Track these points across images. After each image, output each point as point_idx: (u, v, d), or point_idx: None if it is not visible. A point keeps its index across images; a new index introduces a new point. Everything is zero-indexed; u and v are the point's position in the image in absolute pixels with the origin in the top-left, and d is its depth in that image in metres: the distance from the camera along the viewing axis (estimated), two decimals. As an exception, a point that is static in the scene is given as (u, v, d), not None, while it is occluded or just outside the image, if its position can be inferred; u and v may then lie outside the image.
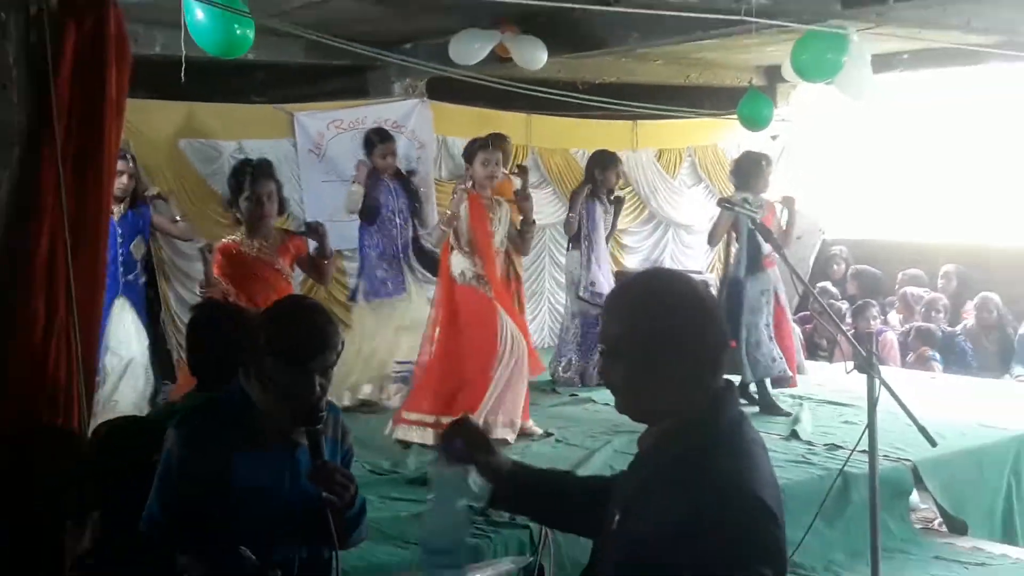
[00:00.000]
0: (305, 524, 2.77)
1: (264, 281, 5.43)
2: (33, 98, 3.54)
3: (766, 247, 6.63)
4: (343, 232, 7.27)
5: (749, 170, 6.87)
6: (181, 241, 7.03)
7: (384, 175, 6.98)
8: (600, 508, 2.19)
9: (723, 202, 6.37)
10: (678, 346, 1.92)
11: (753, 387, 6.85)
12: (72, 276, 3.58)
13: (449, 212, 5.92)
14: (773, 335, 6.81)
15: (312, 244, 5.67)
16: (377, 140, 7.01)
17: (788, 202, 7.15)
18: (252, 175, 5.52)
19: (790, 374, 6.96)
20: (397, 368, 6.92)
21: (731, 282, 6.75)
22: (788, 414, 6.68)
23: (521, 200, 6.29)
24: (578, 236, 7.68)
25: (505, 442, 5.69)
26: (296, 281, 6.22)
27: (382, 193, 6.93)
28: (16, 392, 3.52)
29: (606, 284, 7.54)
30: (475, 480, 2.36)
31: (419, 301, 6.89)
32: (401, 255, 6.95)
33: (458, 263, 5.88)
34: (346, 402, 6.56)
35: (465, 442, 2.33)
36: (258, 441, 2.78)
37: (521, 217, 6.23)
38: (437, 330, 5.95)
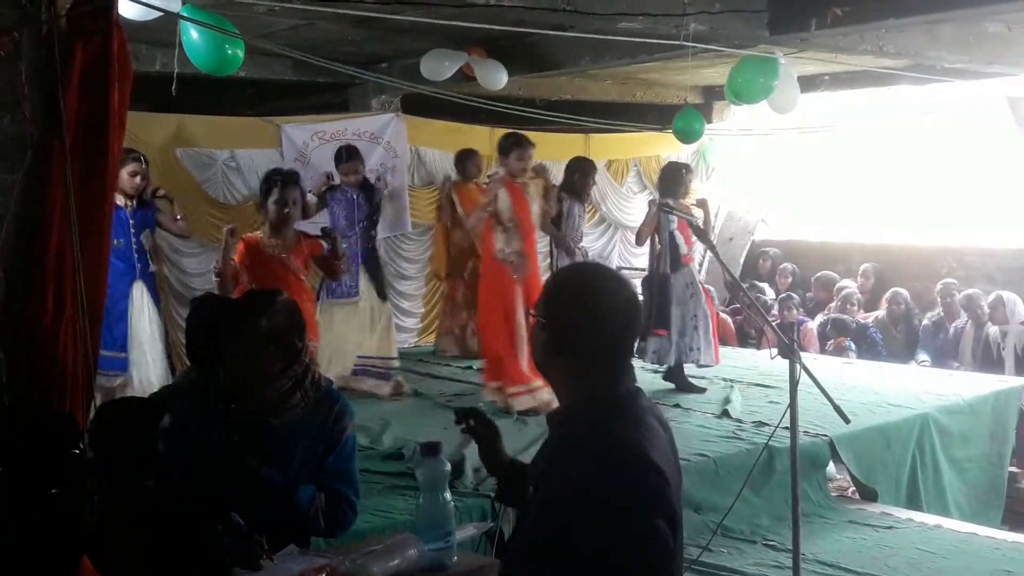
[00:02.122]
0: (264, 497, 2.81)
1: (275, 274, 5.47)
2: (44, 110, 3.50)
3: (684, 247, 6.70)
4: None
5: (673, 178, 6.89)
6: (178, 238, 6.97)
7: (349, 188, 6.78)
8: None
9: (663, 206, 6.41)
10: (578, 329, 1.95)
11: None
12: (79, 268, 3.56)
13: (485, 199, 6.37)
14: (710, 325, 6.79)
15: (326, 246, 5.70)
16: (344, 156, 6.81)
17: (702, 204, 7.10)
18: (281, 183, 5.55)
19: (711, 362, 6.89)
20: (359, 363, 6.79)
21: (660, 278, 6.73)
22: (703, 390, 6.73)
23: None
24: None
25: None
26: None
27: (344, 205, 6.78)
28: (27, 375, 3.49)
29: None
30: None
31: (369, 301, 6.79)
32: (358, 261, 6.75)
33: (500, 242, 6.22)
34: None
35: (479, 427, 2.41)
36: (231, 419, 2.79)
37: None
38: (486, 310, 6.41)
